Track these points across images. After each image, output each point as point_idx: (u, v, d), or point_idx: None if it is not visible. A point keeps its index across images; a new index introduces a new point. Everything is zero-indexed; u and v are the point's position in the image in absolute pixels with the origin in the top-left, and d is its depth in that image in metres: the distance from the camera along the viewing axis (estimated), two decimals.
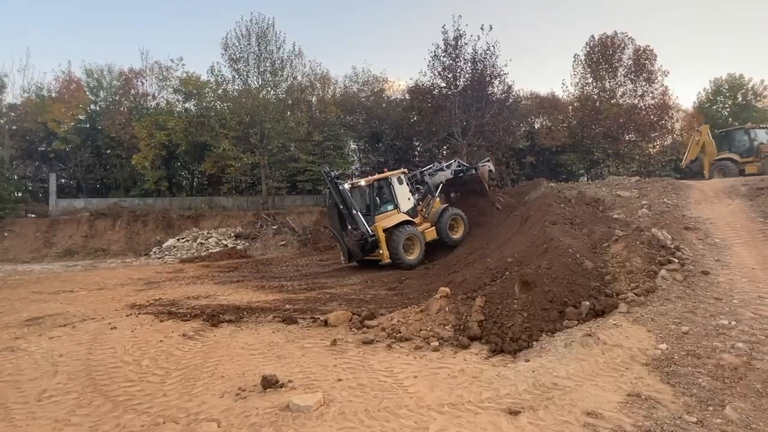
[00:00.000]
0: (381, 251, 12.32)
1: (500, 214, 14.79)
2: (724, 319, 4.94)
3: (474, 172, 15.71)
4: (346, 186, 13.12)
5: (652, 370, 4.21)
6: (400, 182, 13.59)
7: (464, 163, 16.51)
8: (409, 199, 13.70)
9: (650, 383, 3.97)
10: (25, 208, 23.09)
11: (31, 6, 61.03)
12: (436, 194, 14.69)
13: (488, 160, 16.91)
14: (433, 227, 13.64)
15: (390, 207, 13.26)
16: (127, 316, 7.52)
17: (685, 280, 6.03)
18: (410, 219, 13.05)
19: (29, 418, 3.92)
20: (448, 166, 15.95)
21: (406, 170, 14.38)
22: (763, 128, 18.98)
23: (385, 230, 12.43)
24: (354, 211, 12.40)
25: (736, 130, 19.58)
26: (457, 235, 14.03)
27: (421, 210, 14.08)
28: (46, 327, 6.88)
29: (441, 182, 15.13)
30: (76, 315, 7.59)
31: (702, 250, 7.11)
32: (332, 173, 12.99)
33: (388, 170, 15.48)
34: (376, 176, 13.73)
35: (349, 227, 12.67)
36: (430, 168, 15.61)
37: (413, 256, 12.69)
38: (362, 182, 13.55)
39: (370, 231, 12.35)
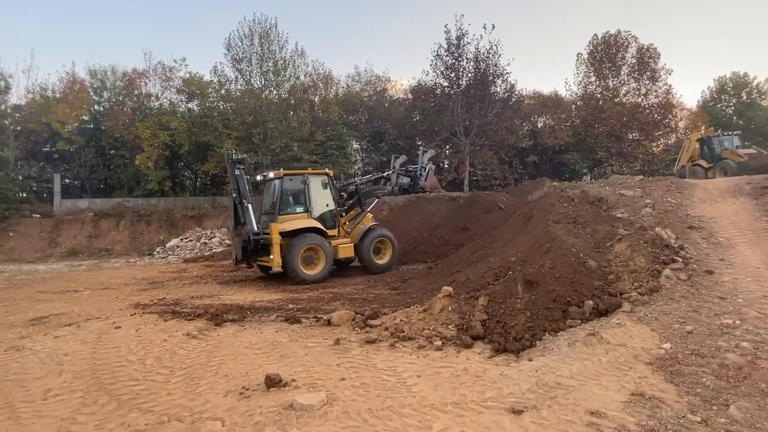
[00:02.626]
0: (272, 256, 10.60)
1: (500, 214, 14.76)
2: (728, 318, 4.92)
3: (421, 190, 14.13)
4: (258, 178, 11.75)
5: (655, 369, 4.19)
6: (324, 186, 11.91)
7: (411, 168, 14.61)
8: (327, 205, 11.91)
9: (654, 383, 3.96)
10: (30, 208, 23.20)
11: (36, 7, 61.34)
12: (368, 209, 12.89)
13: (429, 166, 14.85)
14: (353, 245, 11.96)
15: (300, 209, 11.53)
16: (132, 315, 7.56)
17: (689, 279, 6.01)
18: (321, 228, 11.35)
19: (35, 416, 3.95)
20: (387, 178, 13.99)
21: (331, 172, 12.67)
22: (729, 135, 21.07)
23: (284, 233, 10.72)
24: (245, 202, 10.87)
25: (708, 137, 21.57)
26: (382, 260, 12.26)
27: (344, 224, 12.46)
28: (51, 326, 6.92)
29: (376, 197, 13.42)
30: (81, 314, 7.63)
31: (706, 249, 7.08)
32: (235, 156, 11.39)
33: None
34: (291, 171, 12.06)
35: (242, 222, 11.10)
36: (368, 178, 14.00)
37: (313, 271, 10.87)
38: (271, 174, 11.87)
39: (256, 228, 10.75)
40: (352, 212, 12.84)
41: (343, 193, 13.06)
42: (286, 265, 10.56)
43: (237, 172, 11.02)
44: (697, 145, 21.35)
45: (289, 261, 10.55)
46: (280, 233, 10.68)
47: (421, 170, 13.93)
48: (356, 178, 14.18)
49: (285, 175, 11.54)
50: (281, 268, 10.54)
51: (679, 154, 23.09)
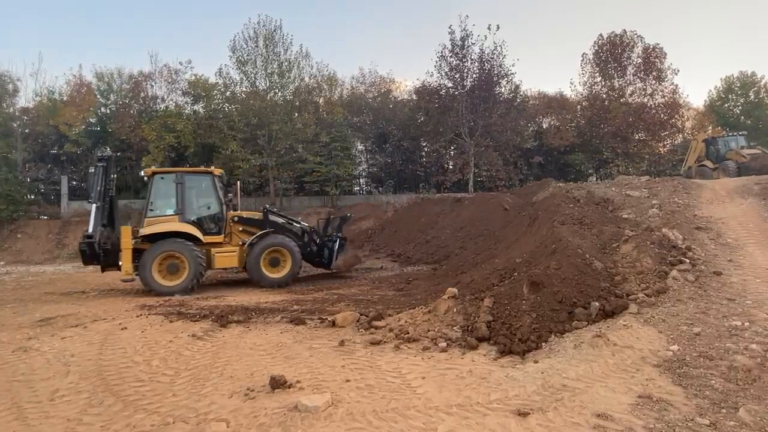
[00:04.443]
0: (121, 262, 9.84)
1: (505, 215, 14.71)
2: (737, 320, 4.86)
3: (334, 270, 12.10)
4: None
5: (663, 371, 4.15)
6: (208, 187, 10.86)
7: (326, 238, 12.38)
8: (209, 208, 10.86)
9: (661, 385, 3.92)
10: (38, 210, 23.41)
11: (43, 11, 62.00)
12: (268, 239, 11.01)
13: (340, 240, 12.32)
14: (236, 255, 10.80)
15: (170, 211, 10.45)
16: (137, 316, 7.59)
17: (696, 280, 5.95)
18: (191, 232, 10.26)
19: (42, 417, 3.97)
20: (308, 232, 11.96)
21: (217, 171, 11.26)
22: (734, 136, 21.01)
23: (144, 237, 10.03)
24: (91, 201, 10.11)
25: (713, 137, 21.53)
26: (277, 273, 10.81)
27: (240, 231, 11.15)
28: (58, 327, 6.97)
29: (283, 236, 11.37)
30: (88, 315, 7.68)
31: (714, 250, 7.02)
32: (99, 153, 10.36)
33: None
34: (163, 169, 11.10)
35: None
36: (294, 221, 12.39)
37: (174, 282, 9.88)
38: (142, 173, 10.85)
39: (90, 231, 9.92)
40: (252, 227, 11.28)
41: (229, 194, 11.59)
42: (140, 272, 9.79)
43: (92, 169, 10.16)
44: (703, 146, 21.34)
45: (140, 268, 9.72)
46: (143, 237, 10.00)
47: (332, 245, 12.04)
48: (273, 208, 12.32)
49: (155, 173, 10.62)
50: (131, 275, 9.82)
51: (687, 154, 23.06)
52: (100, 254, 10.00)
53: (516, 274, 6.91)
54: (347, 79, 32.73)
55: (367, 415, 3.72)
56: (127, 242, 9.82)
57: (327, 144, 25.79)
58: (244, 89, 25.24)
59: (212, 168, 11.39)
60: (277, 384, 4.29)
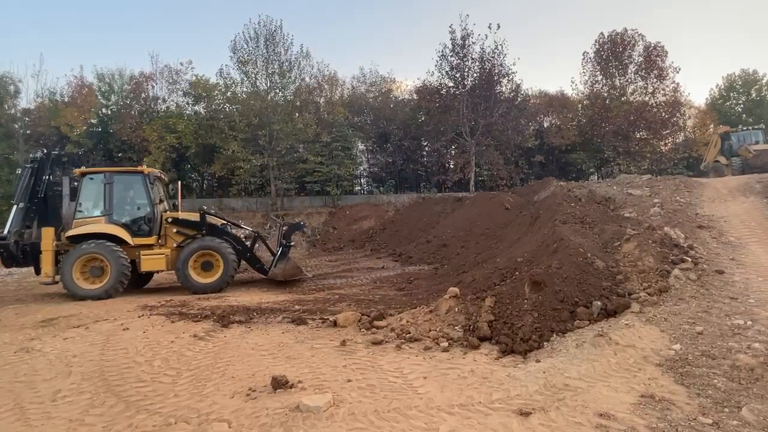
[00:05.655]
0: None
1: (507, 214, 14.70)
2: (739, 318, 4.85)
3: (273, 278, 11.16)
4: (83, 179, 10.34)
5: (665, 370, 4.14)
6: (140, 186, 10.38)
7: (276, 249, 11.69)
8: (139, 209, 10.42)
9: (664, 384, 3.91)
10: None
11: (44, 12, 62.14)
12: (204, 241, 10.39)
13: (283, 249, 11.39)
14: (164, 257, 10.28)
15: (97, 212, 10.13)
16: (139, 317, 7.60)
17: (698, 279, 5.94)
18: (117, 234, 9.89)
19: (44, 417, 3.98)
20: (257, 235, 11.67)
21: (147, 170, 10.61)
22: (747, 130, 20.59)
23: (67, 239, 9.84)
24: (13, 202, 9.95)
25: (727, 133, 21.20)
26: (208, 278, 10.15)
27: (172, 234, 10.58)
28: (60, 328, 6.98)
29: (222, 241, 10.62)
30: (90, 316, 7.69)
31: (716, 248, 7.01)
32: (32, 154, 10.33)
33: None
34: (92, 170, 10.80)
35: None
36: (223, 217, 11.72)
37: (96, 285, 9.51)
38: (72, 173, 10.62)
39: (5, 232, 9.76)
40: (188, 229, 10.68)
41: (168, 195, 11.30)
42: (62, 276, 9.51)
43: (18, 170, 9.96)
44: (719, 141, 20.96)
45: (61, 271, 9.48)
46: (68, 239, 9.81)
47: (278, 251, 11.45)
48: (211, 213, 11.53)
49: (84, 174, 10.32)
50: (50, 277, 9.62)
51: (707, 150, 22.78)
52: (19, 256, 9.86)
53: (517, 273, 6.91)
54: (348, 79, 32.75)
55: (369, 415, 3.72)
56: (47, 244, 9.63)
57: (328, 144, 25.79)
58: (244, 89, 25.28)
59: (143, 167, 10.84)
60: (279, 384, 4.29)
